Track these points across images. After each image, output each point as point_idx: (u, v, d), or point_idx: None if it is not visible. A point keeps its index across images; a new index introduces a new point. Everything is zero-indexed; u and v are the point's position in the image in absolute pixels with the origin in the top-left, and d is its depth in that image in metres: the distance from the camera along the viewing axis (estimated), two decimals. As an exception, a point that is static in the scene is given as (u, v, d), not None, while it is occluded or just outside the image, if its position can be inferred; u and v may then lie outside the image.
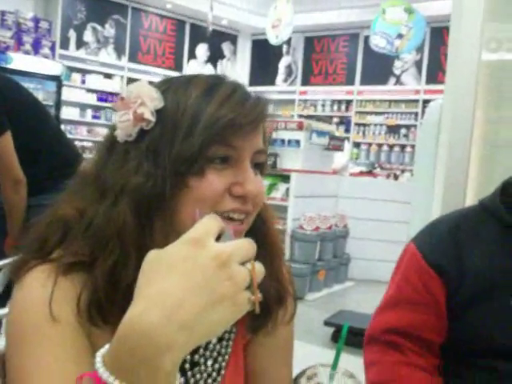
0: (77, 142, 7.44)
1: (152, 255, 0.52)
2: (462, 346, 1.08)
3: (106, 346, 0.51)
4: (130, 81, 9.48)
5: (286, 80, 11.09)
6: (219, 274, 0.49)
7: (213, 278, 0.49)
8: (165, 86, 0.71)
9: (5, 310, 1.77)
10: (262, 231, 0.75)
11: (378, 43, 7.24)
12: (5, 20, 7.33)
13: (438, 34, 9.05)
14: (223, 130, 0.66)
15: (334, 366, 0.61)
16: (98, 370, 0.49)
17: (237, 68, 11.23)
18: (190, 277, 0.49)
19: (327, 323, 3.71)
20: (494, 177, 1.27)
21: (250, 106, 0.68)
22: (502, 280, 1.05)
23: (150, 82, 0.72)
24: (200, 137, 0.65)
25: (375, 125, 9.99)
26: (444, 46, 8.57)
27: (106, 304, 0.65)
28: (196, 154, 0.65)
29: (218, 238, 0.53)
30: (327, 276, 5.27)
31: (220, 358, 0.78)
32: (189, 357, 0.75)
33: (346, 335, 0.64)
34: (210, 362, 0.77)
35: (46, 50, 7.57)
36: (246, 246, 0.53)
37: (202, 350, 0.77)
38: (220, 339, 0.78)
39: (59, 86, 7.58)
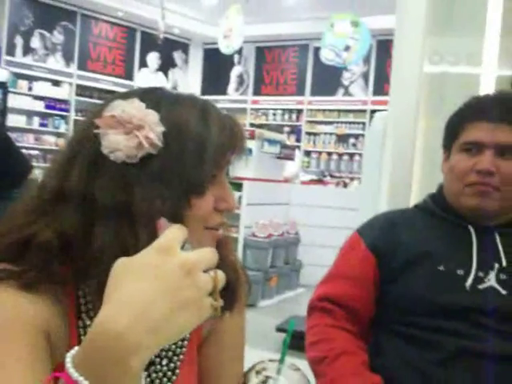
0: (24, 150, 7.22)
1: (121, 262, 0.55)
2: (393, 307, 1.24)
3: (76, 348, 0.53)
4: (79, 88, 9.30)
5: (237, 89, 11.17)
6: (185, 281, 0.53)
7: (179, 284, 0.52)
8: (153, 106, 0.70)
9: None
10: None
11: (327, 56, 7.42)
12: None
13: (384, 47, 9.33)
14: (227, 152, 0.73)
15: (282, 360, 0.64)
16: (67, 369, 0.51)
17: (188, 77, 11.22)
18: (157, 282, 0.52)
19: (279, 329, 3.76)
20: (437, 182, 1.37)
21: (238, 129, 0.75)
22: (431, 250, 1.23)
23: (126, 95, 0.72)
24: (210, 163, 0.71)
25: (325, 134, 10.18)
26: (390, 58, 8.82)
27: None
28: (207, 179, 0.71)
29: (182, 247, 0.57)
30: (279, 283, 5.33)
31: (175, 358, 0.80)
32: None
33: (294, 339, 0.67)
34: (164, 362, 0.79)
35: (-9, 56, 7.35)
36: (209, 255, 0.56)
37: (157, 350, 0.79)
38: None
39: (5, 93, 7.38)
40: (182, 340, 0.82)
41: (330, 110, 10.14)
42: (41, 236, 0.68)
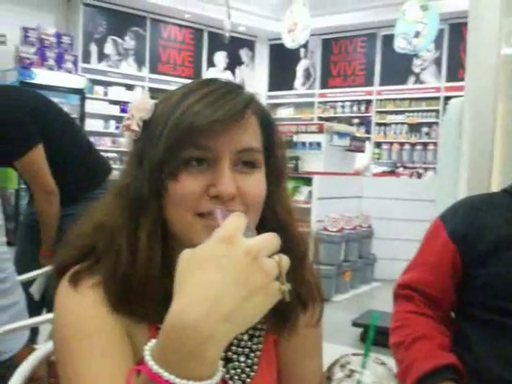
0: (102, 153, 7.55)
1: (187, 254, 0.56)
2: (482, 293, 1.21)
3: (153, 341, 0.55)
4: (151, 91, 9.60)
5: (304, 83, 11.11)
6: (252, 268, 0.53)
7: (247, 271, 0.53)
8: (165, 96, 0.76)
9: (44, 317, 1.83)
10: (281, 235, 0.79)
11: (400, 44, 7.23)
12: (28, 36, 7.51)
13: (457, 31, 8.96)
14: (188, 132, 0.69)
15: (366, 353, 0.63)
16: (147, 362, 0.53)
17: (255, 73, 11.28)
18: (226, 271, 0.53)
19: (355, 324, 3.71)
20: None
21: (217, 106, 0.69)
22: None
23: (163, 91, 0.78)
24: (165, 141, 0.70)
25: (396, 124, 9.92)
26: (463, 42, 8.48)
27: (120, 297, 0.71)
28: (164, 159, 0.70)
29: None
30: (353, 277, 5.26)
31: (252, 354, 0.81)
32: (222, 353, 0.79)
33: (375, 335, 0.66)
34: (242, 358, 0.80)
35: (69, 65, 7.73)
36: (272, 240, 0.56)
37: (234, 347, 0.80)
38: (251, 336, 0.82)
39: (83, 99, 7.74)
40: (258, 337, 0.82)
41: (401, 99, 9.86)
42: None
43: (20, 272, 1.99)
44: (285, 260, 0.56)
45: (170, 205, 0.71)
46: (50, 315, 1.73)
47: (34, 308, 2.11)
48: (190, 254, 0.55)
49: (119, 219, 0.73)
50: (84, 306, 0.70)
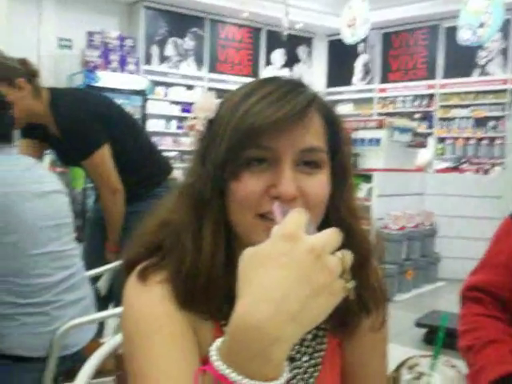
0: (163, 153, 7.73)
1: (249, 252, 0.55)
2: None
3: (219, 341, 0.55)
4: (211, 91, 9.73)
5: (363, 78, 10.92)
6: (316, 266, 0.52)
7: (311, 270, 0.52)
8: (228, 96, 0.76)
9: (110, 312, 1.89)
10: (344, 235, 0.76)
11: (464, 35, 6.97)
12: (92, 40, 7.80)
13: (526, 19, 8.55)
14: (249, 132, 0.68)
15: (436, 355, 0.61)
16: (213, 363, 0.52)
17: (313, 70, 11.20)
18: (290, 270, 0.52)
19: (419, 324, 3.61)
20: None
21: (279, 106, 0.68)
22: None
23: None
24: (227, 142, 0.70)
25: (461, 118, 9.57)
26: (533, 30, 8.07)
27: (185, 295, 0.71)
28: (226, 158, 0.70)
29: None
30: (416, 276, 5.12)
31: (316, 354, 0.80)
32: None
33: (442, 338, 0.64)
34: (305, 358, 0.80)
35: (131, 67, 7.97)
36: (334, 236, 0.55)
37: (297, 347, 0.79)
38: (315, 336, 0.81)
39: (144, 100, 7.96)
40: (322, 337, 0.81)
41: (466, 93, 9.50)
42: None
43: (88, 268, 2.08)
44: (348, 256, 0.55)
45: (232, 205, 0.71)
46: (116, 310, 1.79)
47: (101, 303, 2.19)
48: (252, 252, 0.55)
49: (184, 218, 0.74)
50: (152, 302, 0.72)
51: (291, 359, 0.79)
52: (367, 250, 0.79)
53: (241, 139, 0.69)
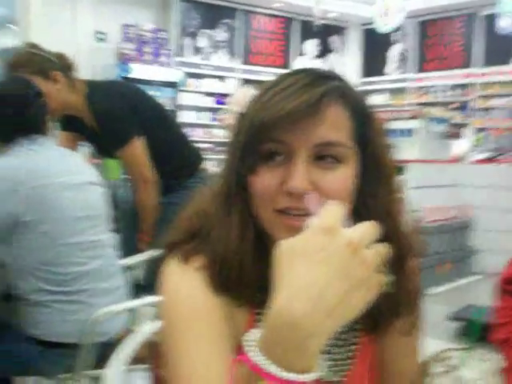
0: (194, 144, 7.77)
1: (285, 245, 0.54)
2: None
3: (253, 331, 0.55)
4: (243, 82, 9.74)
5: (398, 68, 10.73)
6: (354, 260, 0.51)
7: (349, 264, 0.51)
8: (257, 89, 0.75)
9: (144, 300, 1.92)
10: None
11: (503, 24, 6.76)
12: (127, 33, 7.89)
13: None
14: (261, 126, 0.68)
15: (468, 349, 0.60)
16: (247, 353, 0.53)
17: (347, 60, 11.06)
18: (328, 265, 0.51)
19: (454, 318, 3.55)
20: None
21: (292, 99, 0.67)
22: None
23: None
24: (244, 136, 0.70)
25: (499, 108, 9.31)
26: None
27: (220, 282, 0.72)
28: (244, 153, 0.70)
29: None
30: (451, 269, 5.03)
31: (348, 348, 0.80)
32: None
33: (477, 331, 0.62)
34: (338, 351, 0.79)
35: (164, 59, 8.04)
36: (371, 230, 0.54)
37: (331, 340, 0.78)
38: (349, 330, 0.80)
39: (176, 92, 8.01)
40: (356, 331, 0.81)
41: (504, 82, 9.22)
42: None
43: (124, 257, 2.11)
44: (385, 250, 0.54)
45: (253, 199, 0.72)
46: (149, 299, 1.81)
47: (136, 292, 2.22)
48: (289, 244, 0.54)
49: (214, 210, 0.75)
50: (192, 286, 0.72)
51: (324, 351, 0.78)
52: (404, 251, 0.77)
53: (256, 133, 0.69)
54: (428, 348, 0.88)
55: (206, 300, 0.72)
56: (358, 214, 0.73)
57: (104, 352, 1.70)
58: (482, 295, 4.57)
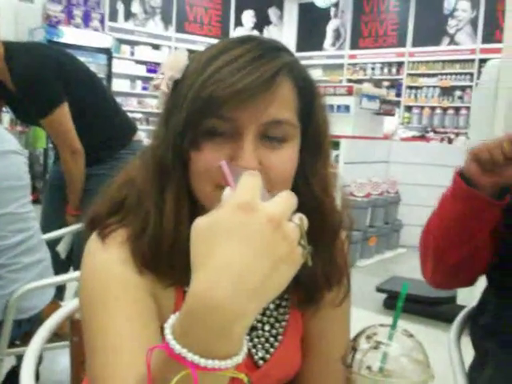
0: (128, 114, 7.56)
1: (202, 224, 0.50)
2: None
3: (173, 317, 0.50)
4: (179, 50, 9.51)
5: (334, 44, 10.85)
6: (276, 236, 0.48)
7: (271, 240, 0.48)
8: (196, 55, 0.71)
9: (69, 275, 1.86)
10: (314, 211, 0.70)
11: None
12: (55, -6, 7.46)
13: (496, -11, 8.58)
14: (209, 102, 0.64)
15: (394, 325, 0.61)
16: (169, 342, 0.48)
17: (283, 33, 11.05)
18: (249, 243, 0.48)
19: (379, 289, 3.70)
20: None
21: (244, 74, 0.63)
22: None
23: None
24: (186, 109, 0.66)
25: (428, 87, 9.66)
26: (501, 1, 8.11)
27: (147, 260, 0.69)
28: (186, 127, 0.66)
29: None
30: (379, 243, 5.23)
31: (277, 324, 0.79)
32: None
33: (400, 307, 0.63)
34: (267, 327, 0.79)
35: (96, 23, 7.69)
36: (291, 201, 0.51)
37: (259, 316, 0.78)
38: (277, 306, 0.80)
39: (109, 59, 7.71)
40: (284, 307, 0.80)
41: (434, 62, 9.56)
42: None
43: (47, 230, 2.02)
44: (305, 221, 0.51)
45: (193, 174, 0.68)
46: (75, 273, 1.76)
47: (61, 266, 2.15)
48: (206, 223, 0.50)
49: (146, 182, 0.71)
50: (111, 264, 0.69)
51: (252, 328, 0.77)
52: (337, 225, 0.77)
53: (201, 108, 0.65)
54: (356, 317, 0.89)
55: (126, 278, 0.68)
56: (297, 190, 0.70)
57: (29, 328, 1.64)
58: (407, 267, 4.79)
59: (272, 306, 0.79)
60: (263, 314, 0.79)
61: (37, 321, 1.63)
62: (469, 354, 1.27)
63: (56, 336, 1.26)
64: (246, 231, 0.48)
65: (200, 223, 0.50)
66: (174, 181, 0.69)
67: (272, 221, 0.48)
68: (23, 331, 1.67)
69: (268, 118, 0.66)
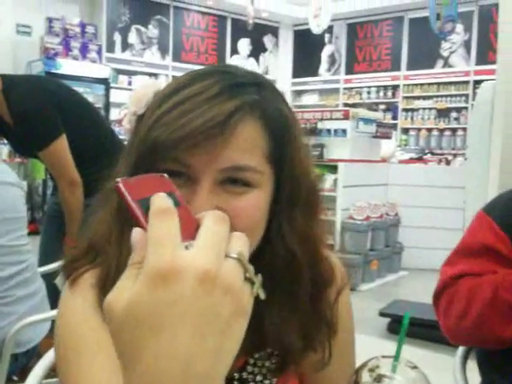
0: (126, 143, 7.58)
1: (118, 310, 0.37)
2: None
3: None
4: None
5: (329, 69, 10.96)
6: (215, 297, 0.37)
7: (210, 305, 0.37)
8: (158, 91, 0.67)
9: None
10: (288, 267, 0.66)
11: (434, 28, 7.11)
12: (52, 27, 7.56)
13: (487, 12, 8.71)
14: (155, 147, 0.59)
15: (397, 357, 0.59)
16: None
17: (279, 60, 11.17)
18: (185, 324, 0.37)
19: (382, 314, 3.65)
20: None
21: (193, 116, 0.58)
22: None
23: None
24: (135, 153, 0.62)
25: (424, 109, 9.73)
26: (493, 24, 8.23)
27: None
28: (136, 171, 0.59)
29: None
30: (380, 266, 5.18)
31: (269, 375, 0.73)
32: (237, 374, 0.72)
33: (404, 328, 0.61)
34: (259, 378, 0.73)
35: (93, 54, 7.77)
36: (216, 236, 0.40)
37: (250, 367, 0.73)
38: (270, 355, 0.73)
39: (107, 89, 7.77)
40: (270, 371, 0.74)
41: (429, 84, 9.65)
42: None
43: (45, 262, 2.00)
44: (244, 248, 0.41)
45: None
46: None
47: (58, 299, 2.12)
48: (123, 309, 0.37)
49: (105, 226, 0.67)
50: (78, 312, 0.66)
51: (244, 381, 0.72)
52: (322, 280, 0.70)
53: (148, 152, 0.60)
54: (358, 343, 0.87)
55: (96, 326, 0.64)
56: (270, 241, 0.66)
57: (26, 362, 1.61)
58: (409, 290, 4.73)
59: (260, 374, 0.73)
60: (254, 365, 0.73)
61: (34, 354, 1.60)
62: (475, 377, 1.24)
63: (54, 371, 1.24)
64: (177, 308, 0.36)
65: (116, 309, 0.38)
66: (131, 226, 0.66)
67: (205, 281, 0.37)
68: (20, 365, 1.64)
69: (226, 164, 0.60)
